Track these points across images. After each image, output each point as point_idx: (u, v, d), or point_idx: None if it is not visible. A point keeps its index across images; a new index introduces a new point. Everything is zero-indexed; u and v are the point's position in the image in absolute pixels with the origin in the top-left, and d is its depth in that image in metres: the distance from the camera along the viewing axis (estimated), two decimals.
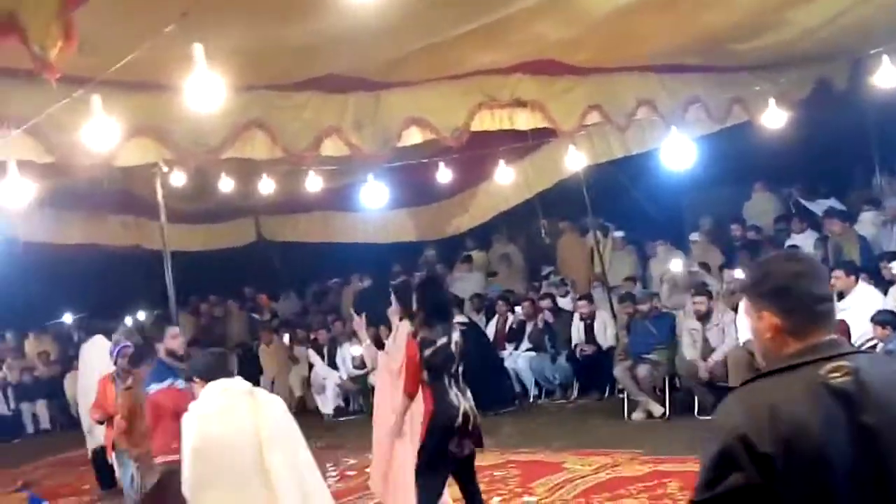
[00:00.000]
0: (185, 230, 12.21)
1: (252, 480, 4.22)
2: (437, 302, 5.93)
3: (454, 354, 5.71)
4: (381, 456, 6.43)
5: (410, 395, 5.77)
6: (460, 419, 5.57)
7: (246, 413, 4.33)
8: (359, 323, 7.05)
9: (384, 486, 6.48)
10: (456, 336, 5.78)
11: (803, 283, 2.06)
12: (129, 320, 16.63)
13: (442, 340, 5.68)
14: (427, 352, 5.67)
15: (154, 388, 5.96)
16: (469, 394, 5.75)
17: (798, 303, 2.05)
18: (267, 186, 10.16)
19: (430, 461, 5.58)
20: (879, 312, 7.76)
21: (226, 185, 10.05)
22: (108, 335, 16.02)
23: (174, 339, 6.22)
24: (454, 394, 5.64)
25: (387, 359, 6.52)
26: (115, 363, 7.33)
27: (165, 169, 8.43)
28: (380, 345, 12.67)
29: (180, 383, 5.97)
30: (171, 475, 5.11)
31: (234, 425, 4.29)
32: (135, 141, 6.30)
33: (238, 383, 4.51)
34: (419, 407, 5.75)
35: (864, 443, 1.91)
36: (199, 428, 4.29)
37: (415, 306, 6.02)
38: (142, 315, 16.79)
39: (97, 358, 8.98)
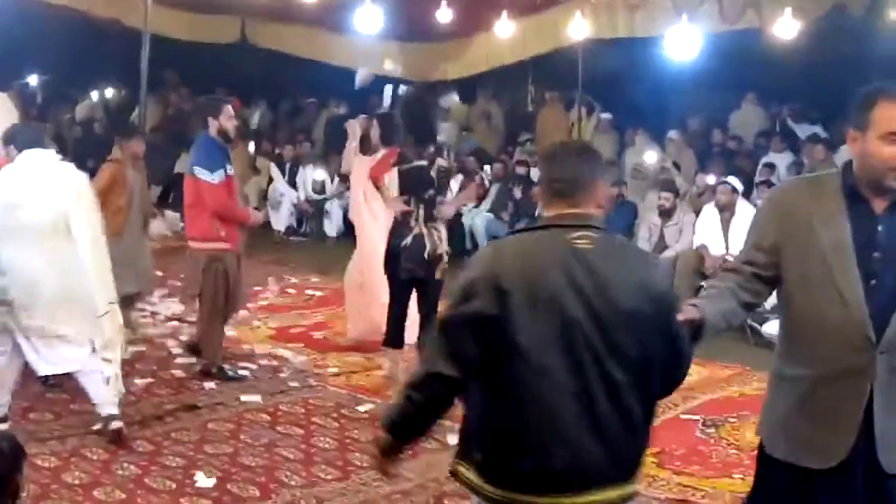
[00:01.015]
0: (169, 14, 11.78)
1: (53, 239, 4.65)
2: (422, 121, 5.82)
3: (431, 179, 5.63)
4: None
5: (373, 178, 5.97)
6: (409, 240, 5.59)
7: (54, 180, 4.76)
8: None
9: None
10: (442, 162, 5.69)
11: (550, 167, 2.61)
12: (94, 94, 16.32)
13: (420, 162, 5.62)
14: (402, 167, 5.63)
15: (202, 172, 5.73)
16: (441, 226, 5.71)
17: (545, 181, 2.63)
18: None
19: (389, 277, 5.77)
20: None
21: None
22: (72, 103, 15.76)
23: (230, 119, 5.86)
24: (413, 217, 5.62)
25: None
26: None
27: None
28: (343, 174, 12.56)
29: (230, 169, 5.85)
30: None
31: (41, 188, 4.70)
32: None
33: (51, 154, 4.90)
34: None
35: (593, 296, 2.36)
36: (8, 187, 4.73)
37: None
38: (109, 91, 16.45)
39: None
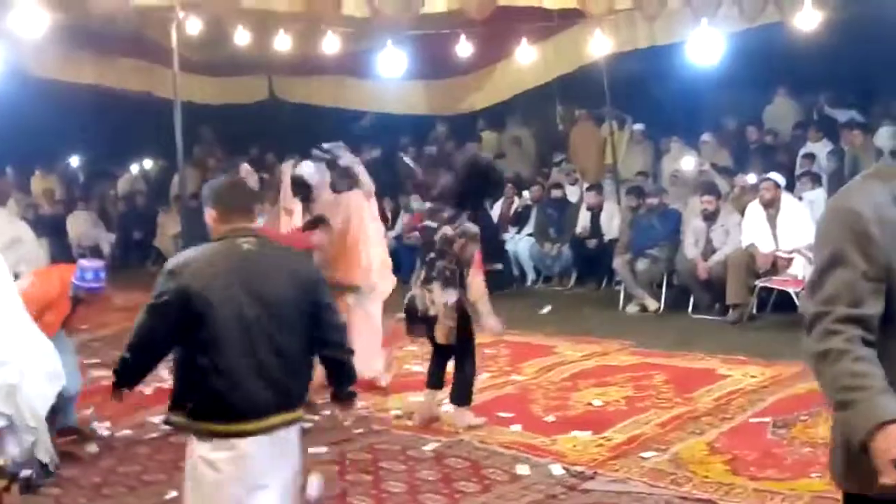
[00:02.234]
0: (197, 81, 12.06)
1: None
2: (496, 184, 6.43)
3: (431, 242, 5.91)
4: None
5: None
6: (406, 300, 6.01)
7: None
8: None
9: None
10: (448, 231, 5.87)
11: (224, 193, 3.55)
12: (134, 168, 16.68)
13: (432, 223, 6.00)
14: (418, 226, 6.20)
15: None
16: (435, 286, 5.85)
17: (221, 202, 3.49)
18: (283, 43, 9.97)
19: None
20: None
21: (242, 37, 9.85)
22: (114, 179, 16.10)
23: (249, 176, 6.10)
24: (414, 277, 6.04)
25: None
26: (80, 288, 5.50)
27: (181, 14, 8.25)
28: (383, 216, 12.71)
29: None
30: None
31: None
32: None
33: None
34: None
35: (258, 283, 3.32)
36: None
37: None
38: (148, 163, 16.80)
39: None
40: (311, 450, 5.67)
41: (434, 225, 5.97)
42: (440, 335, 5.89)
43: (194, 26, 8.88)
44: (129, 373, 3.51)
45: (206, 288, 3.24)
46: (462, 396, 6.00)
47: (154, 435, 6.06)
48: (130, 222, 14.66)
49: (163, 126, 10.72)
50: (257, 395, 3.28)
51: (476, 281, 5.89)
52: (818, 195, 9.56)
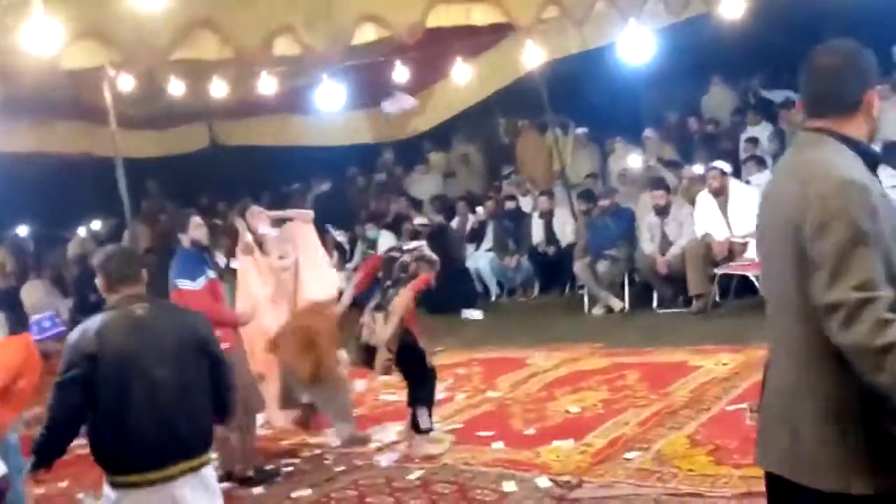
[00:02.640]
0: (137, 136, 11.92)
1: None
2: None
3: (389, 271, 5.96)
4: None
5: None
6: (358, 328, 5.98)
7: None
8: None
9: None
10: (405, 258, 5.93)
11: (110, 263, 3.75)
12: (82, 230, 16.45)
13: (393, 253, 6.13)
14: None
15: (183, 283, 5.76)
16: (379, 316, 5.83)
17: (107, 273, 3.74)
18: (219, 89, 9.91)
19: None
20: None
21: (176, 88, 9.76)
22: (64, 243, 15.86)
23: (198, 228, 5.93)
24: (369, 307, 5.98)
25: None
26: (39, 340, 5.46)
27: (113, 72, 8.17)
28: (339, 248, 12.66)
29: (212, 273, 5.93)
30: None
31: None
32: (80, 43, 6.10)
33: None
34: None
35: (153, 344, 3.59)
36: None
37: None
38: (96, 224, 16.58)
39: None
40: (294, 493, 5.64)
41: (397, 255, 6.02)
42: (378, 367, 5.85)
43: (127, 83, 8.80)
44: (48, 450, 3.62)
45: (108, 354, 3.50)
46: (416, 425, 5.95)
47: None
48: (85, 285, 14.33)
49: (107, 185, 10.59)
50: (163, 447, 3.55)
51: (402, 296, 5.84)
52: (765, 177, 9.70)
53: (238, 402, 5.81)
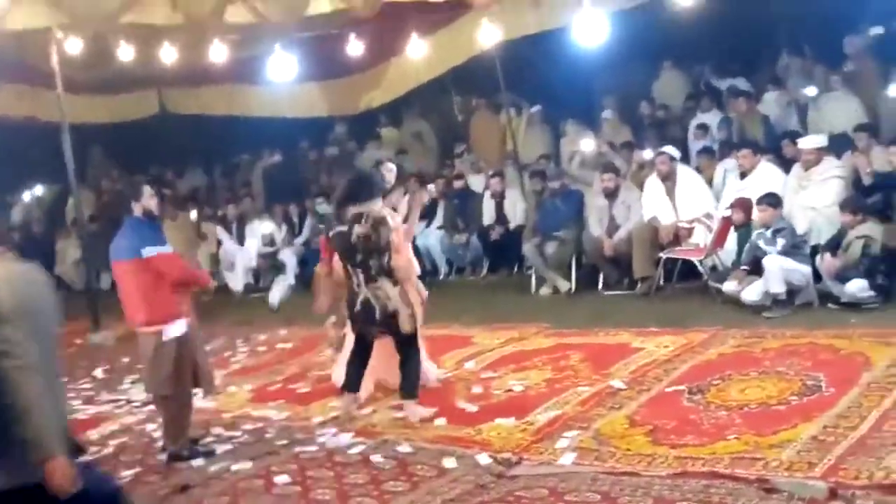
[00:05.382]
0: (84, 101, 11.72)
1: None
2: (343, 190, 6.12)
3: (352, 245, 5.84)
4: None
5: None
6: (358, 306, 5.90)
7: None
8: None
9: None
10: (359, 229, 5.82)
11: None
12: (27, 195, 16.14)
13: (341, 228, 5.91)
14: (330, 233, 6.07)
15: (151, 250, 5.68)
16: (382, 282, 5.84)
17: None
18: (169, 55, 9.75)
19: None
20: (765, 196, 7.96)
21: (126, 53, 9.60)
22: (7, 208, 15.55)
23: (151, 198, 5.87)
24: (356, 282, 5.91)
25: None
26: None
27: (60, 35, 8.01)
28: (289, 221, 12.60)
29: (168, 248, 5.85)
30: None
31: None
32: (26, 4, 5.96)
33: None
34: None
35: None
36: None
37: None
38: (40, 189, 16.27)
39: None
40: (234, 466, 5.61)
41: (345, 228, 5.90)
42: (406, 325, 5.89)
43: (75, 46, 8.64)
44: None
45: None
46: (411, 389, 6.05)
47: None
48: (29, 251, 13.88)
49: (52, 150, 10.40)
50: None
51: (401, 260, 5.93)
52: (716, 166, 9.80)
53: (174, 379, 5.81)
